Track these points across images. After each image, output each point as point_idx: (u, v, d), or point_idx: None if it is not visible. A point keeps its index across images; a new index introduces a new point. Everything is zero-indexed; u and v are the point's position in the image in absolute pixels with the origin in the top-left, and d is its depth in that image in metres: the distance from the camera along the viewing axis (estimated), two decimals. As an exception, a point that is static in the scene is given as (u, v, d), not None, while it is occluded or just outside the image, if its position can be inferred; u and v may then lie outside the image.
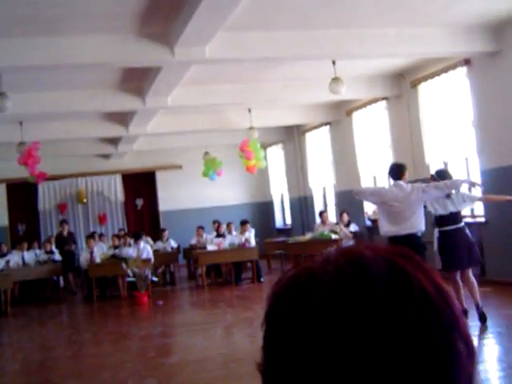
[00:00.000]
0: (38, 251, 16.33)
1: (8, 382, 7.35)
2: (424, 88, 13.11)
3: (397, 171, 8.03)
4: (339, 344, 0.72)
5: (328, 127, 17.65)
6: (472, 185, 8.45)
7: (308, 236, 15.54)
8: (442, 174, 8.28)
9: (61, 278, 16.06)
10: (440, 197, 7.87)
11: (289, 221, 21.17)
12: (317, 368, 0.73)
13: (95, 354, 8.60)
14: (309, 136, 19.12)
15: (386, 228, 7.85)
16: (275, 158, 21.48)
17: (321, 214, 16.02)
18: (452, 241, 8.07)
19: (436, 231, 8.30)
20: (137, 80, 12.34)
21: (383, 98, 14.55)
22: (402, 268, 0.77)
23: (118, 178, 21.68)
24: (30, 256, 16.02)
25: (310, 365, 0.73)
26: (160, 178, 21.88)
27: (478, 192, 8.70)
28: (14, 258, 15.72)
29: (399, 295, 0.75)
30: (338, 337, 0.72)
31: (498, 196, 9.35)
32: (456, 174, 10.54)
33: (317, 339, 0.73)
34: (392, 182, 8.11)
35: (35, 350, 9.04)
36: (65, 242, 16.64)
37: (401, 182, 7.84)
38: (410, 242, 7.27)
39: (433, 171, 9.38)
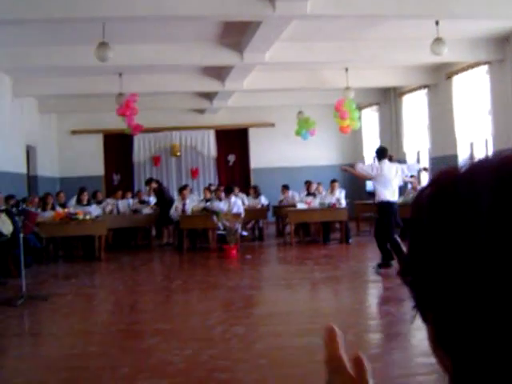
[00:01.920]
0: (131, 200, 16.76)
1: (102, 321, 7.63)
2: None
3: (384, 153, 10.31)
4: (491, 247, 0.69)
5: (426, 90, 17.26)
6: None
7: (400, 199, 15.32)
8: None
9: (153, 228, 16.47)
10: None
11: (380, 184, 20.88)
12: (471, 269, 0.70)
13: (184, 301, 8.82)
14: (405, 99, 18.76)
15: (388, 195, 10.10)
16: (369, 120, 21.19)
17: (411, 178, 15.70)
18: None
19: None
20: (236, 35, 12.36)
21: (485, 63, 14.07)
22: None
23: (212, 134, 21.92)
24: (123, 205, 16.48)
25: (462, 267, 0.70)
26: (252, 135, 21.98)
27: None
28: (109, 206, 16.23)
29: None
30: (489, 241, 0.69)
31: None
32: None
33: (468, 241, 0.70)
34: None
35: (127, 293, 9.33)
36: (162, 193, 16.82)
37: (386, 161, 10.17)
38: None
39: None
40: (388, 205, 10.16)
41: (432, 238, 0.73)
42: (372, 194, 20.44)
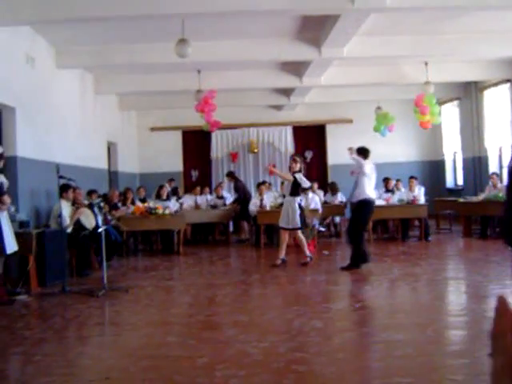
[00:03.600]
0: (209, 196, 16.93)
1: (181, 313, 7.72)
2: None
3: (368, 153, 10.88)
4: None
5: (508, 85, 16.81)
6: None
7: (481, 196, 14.99)
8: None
9: (231, 223, 16.59)
10: None
11: (460, 181, 20.49)
12: None
13: (262, 295, 8.83)
14: (487, 93, 18.31)
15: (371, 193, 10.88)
16: (450, 116, 20.77)
17: (492, 175, 15.33)
18: None
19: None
20: (314, 29, 12.32)
21: None
22: None
23: (289, 130, 21.93)
24: (202, 200, 16.67)
25: None
26: (330, 131, 21.89)
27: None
28: (188, 202, 16.44)
29: None
30: None
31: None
32: None
33: None
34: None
35: (205, 286, 9.40)
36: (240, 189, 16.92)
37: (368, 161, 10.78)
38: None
39: None
40: (371, 202, 10.83)
41: None
42: (452, 191, 20.14)
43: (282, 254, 11.40)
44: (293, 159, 11.63)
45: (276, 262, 11.29)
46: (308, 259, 11.33)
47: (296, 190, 11.37)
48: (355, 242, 10.49)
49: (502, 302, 0.70)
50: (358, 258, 10.41)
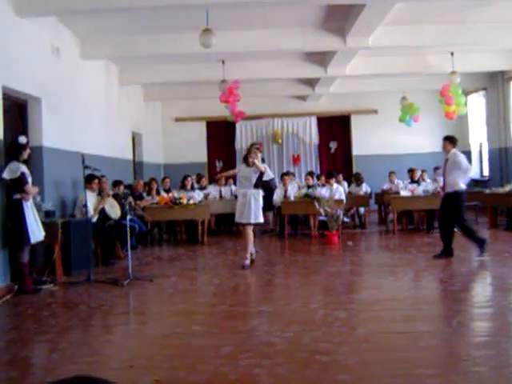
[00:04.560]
0: (233, 187, 16.95)
1: (205, 302, 7.74)
2: None
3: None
4: None
5: (536, 74, 16.60)
6: None
7: (507, 188, 14.84)
8: None
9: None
10: None
11: (486, 172, 20.31)
12: None
13: (286, 285, 8.84)
14: (514, 83, 18.10)
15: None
16: (476, 106, 20.57)
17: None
18: None
19: None
20: (339, 19, 12.25)
21: None
22: None
23: (313, 120, 21.87)
24: (226, 191, 16.70)
25: None
26: (355, 121, 21.79)
27: None
28: (212, 192, 16.47)
29: None
30: None
31: None
32: None
33: None
34: None
35: (229, 276, 9.42)
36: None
37: None
38: None
39: None
40: (464, 192, 10.50)
41: None
42: (478, 182, 19.95)
43: (249, 253, 10.43)
44: (257, 149, 10.66)
45: (244, 263, 10.28)
46: (247, 262, 10.32)
47: (260, 181, 10.46)
48: (466, 230, 10.52)
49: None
50: (479, 242, 10.44)
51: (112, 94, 15.50)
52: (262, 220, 10.45)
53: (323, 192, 14.46)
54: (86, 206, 9.72)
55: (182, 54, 13.76)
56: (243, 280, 9.02)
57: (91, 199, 10.90)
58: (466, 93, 19.18)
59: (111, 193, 11.80)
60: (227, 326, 6.29)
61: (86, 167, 9.40)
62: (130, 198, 11.25)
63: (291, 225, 15.14)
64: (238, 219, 10.46)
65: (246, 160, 10.56)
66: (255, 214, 10.24)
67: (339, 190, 15.03)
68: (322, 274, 9.43)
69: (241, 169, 10.67)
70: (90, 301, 7.89)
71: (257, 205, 10.27)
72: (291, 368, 4.81)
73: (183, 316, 6.87)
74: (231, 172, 11.84)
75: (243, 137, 21.92)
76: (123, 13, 10.85)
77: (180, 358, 5.15)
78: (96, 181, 11.32)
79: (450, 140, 10.65)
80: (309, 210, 14.35)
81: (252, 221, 10.26)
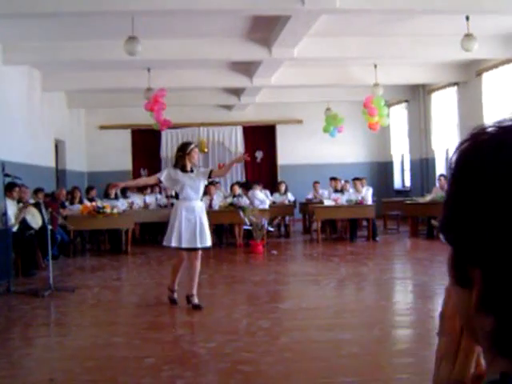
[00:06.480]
0: (158, 195, 16.84)
1: (127, 313, 7.66)
2: None
3: None
4: None
5: (455, 88, 17.09)
6: None
7: (427, 198, 15.21)
8: None
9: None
10: None
11: (408, 182, 20.78)
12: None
13: (210, 295, 8.80)
14: (434, 96, 18.60)
15: None
16: (398, 118, 21.03)
17: (439, 177, 15.55)
18: None
19: None
20: (264, 30, 12.33)
21: (516, 60, 13.87)
22: None
23: (239, 130, 21.92)
24: (151, 199, 16.56)
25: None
26: (280, 131, 21.94)
27: None
28: (137, 201, 16.30)
29: None
30: None
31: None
32: None
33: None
34: None
35: (153, 286, 9.35)
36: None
37: None
38: None
39: None
40: None
41: (482, 188, 0.72)
42: (400, 192, 20.39)
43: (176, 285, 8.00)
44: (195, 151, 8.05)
45: (173, 296, 7.93)
46: (196, 301, 7.66)
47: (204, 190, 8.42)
48: None
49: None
50: None
51: (34, 101, 15.17)
52: (209, 243, 7.93)
53: (247, 201, 14.55)
54: (5, 214, 9.47)
55: (106, 61, 13.59)
56: (167, 290, 8.94)
57: (12, 208, 10.63)
58: (389, 104, 19.57)
59: (32, 201, 11.53)
60: (150, 337, 6.23)
61: (5, 175, 9.16)
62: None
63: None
64: (187, 244, 7.62)
65: (182, 165, 7.86)
66: (208, 234, 7.83)
67: (256, 195, 15.13)
68: (246, 283, 9.45)
69: (178, 177, 7.83)
70: (10, 313, 7.69)
71: (203, 224, 7.75)
72: (214, 379, 4.80)
73: (105, 327, 6.76)
74: (150, 180, 9.55)
75: (169, 145, 21.77)
76: (47, 18, 10.65)
77: (101, 371, 5.06)
78: (17, 189, 11.04)
79: None
80: (234, 219, 14.36)
81: (208, 244, 7.87)
